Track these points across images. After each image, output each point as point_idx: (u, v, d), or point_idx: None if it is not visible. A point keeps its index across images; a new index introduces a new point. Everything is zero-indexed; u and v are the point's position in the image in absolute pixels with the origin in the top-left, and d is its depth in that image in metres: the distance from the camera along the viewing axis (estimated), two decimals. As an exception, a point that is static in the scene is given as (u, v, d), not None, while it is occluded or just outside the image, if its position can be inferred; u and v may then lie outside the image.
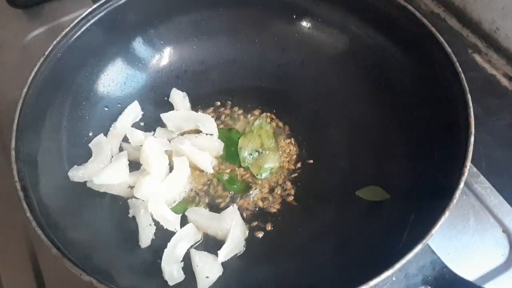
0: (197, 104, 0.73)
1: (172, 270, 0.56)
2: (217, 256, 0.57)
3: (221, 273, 0.57)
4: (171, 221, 0.60)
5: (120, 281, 0.52)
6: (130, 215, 0.61)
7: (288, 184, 0.65)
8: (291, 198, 0.63)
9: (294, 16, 0.75)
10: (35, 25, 0.87)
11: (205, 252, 0.58)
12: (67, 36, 0.65)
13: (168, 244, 0.58)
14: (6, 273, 0.63)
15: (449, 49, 0.59)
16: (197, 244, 0.60)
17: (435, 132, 0.60)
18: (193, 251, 0.58)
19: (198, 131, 0.68)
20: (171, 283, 0.56)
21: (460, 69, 0.57)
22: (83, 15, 0.66)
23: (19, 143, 0.56)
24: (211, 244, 0.60)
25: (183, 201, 0.64)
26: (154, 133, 0.69)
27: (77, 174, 0.62)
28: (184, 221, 0.61)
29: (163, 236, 0.60)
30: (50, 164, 0.61)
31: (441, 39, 0.60)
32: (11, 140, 0.56)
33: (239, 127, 0.70)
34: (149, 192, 0.61)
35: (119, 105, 0.71)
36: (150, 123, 0.71)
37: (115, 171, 0.62)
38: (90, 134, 0.67)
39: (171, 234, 0.59)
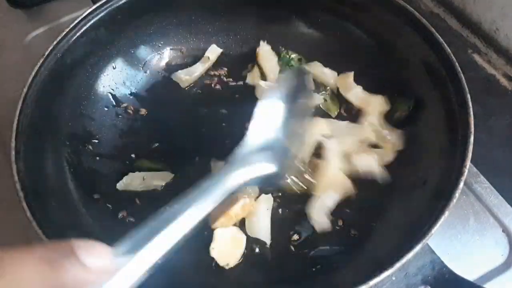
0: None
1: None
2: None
3: None
4: None
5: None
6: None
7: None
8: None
9: (294, 16, 0.75)
10: (35, 25, 0.87)
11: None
12: (67, 36, 0.65)
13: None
14: (6, 273, 0.63)
15: (448, 50, 0.59)
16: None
17: (434, 132, 0.60)
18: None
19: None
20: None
21: (459, 69, 0.58)
22: (83, 15, 0.66)
23: (19, 143, 0.56)
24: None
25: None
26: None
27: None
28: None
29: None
30: (50, 164, 0.61)
31: (441, 39, 0.60)
32: (11, 140, 0.56)
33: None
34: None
35: (119, 105, 0.71)
36: (150, 123, 0.71)
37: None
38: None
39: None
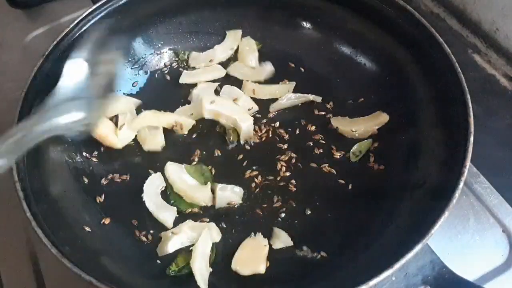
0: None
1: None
2: None
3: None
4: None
5: (120, 281, 0.52)
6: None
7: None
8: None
9: (294, 17, 0.75)
10: (35, 25, 0.87)
11: None
12: (67, 36, 0.65)
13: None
14: (6, 273, 0.63)
15: (448, 50, 0.59)
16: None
17: (434, 132, 0.60)
18: None
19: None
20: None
21: (459, 69, 0.58)
22: (83, 15, 0.66)
23: (19, 143, 0.56)
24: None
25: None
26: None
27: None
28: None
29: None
30: (50, 164, 0.61)
31: (441, 39, 0.61)
32: (11, 140, 0.56)
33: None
34: None
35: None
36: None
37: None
38: (90, 134, 0.67)
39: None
